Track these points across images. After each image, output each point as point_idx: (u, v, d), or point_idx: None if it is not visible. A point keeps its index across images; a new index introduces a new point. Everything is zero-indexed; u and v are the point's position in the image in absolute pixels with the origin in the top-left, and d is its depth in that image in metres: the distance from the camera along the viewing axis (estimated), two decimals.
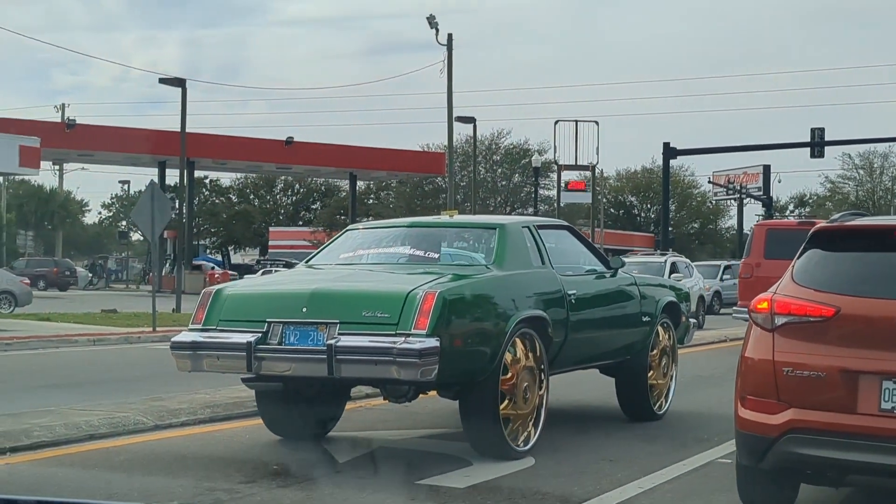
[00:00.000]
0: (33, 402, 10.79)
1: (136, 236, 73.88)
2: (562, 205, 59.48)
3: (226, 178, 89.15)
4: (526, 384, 8.49)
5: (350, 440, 9.17)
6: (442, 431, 9.75)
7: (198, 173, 67.22)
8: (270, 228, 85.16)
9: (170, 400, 10.66)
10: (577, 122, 57.65)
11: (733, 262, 44.52)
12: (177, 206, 37.71)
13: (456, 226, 10.04)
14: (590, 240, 11.01)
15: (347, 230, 10.34)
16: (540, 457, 8.47)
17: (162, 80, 39.57)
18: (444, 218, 10.52)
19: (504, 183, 78.58)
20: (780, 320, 6.27)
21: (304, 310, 8.05)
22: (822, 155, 44.18)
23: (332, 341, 7.77)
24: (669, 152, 43.54)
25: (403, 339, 7.65)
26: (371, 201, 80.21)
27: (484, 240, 9.36)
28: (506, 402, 8.31)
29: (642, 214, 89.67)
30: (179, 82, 38.60)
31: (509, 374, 8.32)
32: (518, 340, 8.45)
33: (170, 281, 42.95)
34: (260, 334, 8.06)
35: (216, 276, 30.13)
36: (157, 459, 8.32)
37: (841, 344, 6.06)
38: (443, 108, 44.88)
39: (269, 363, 8.08)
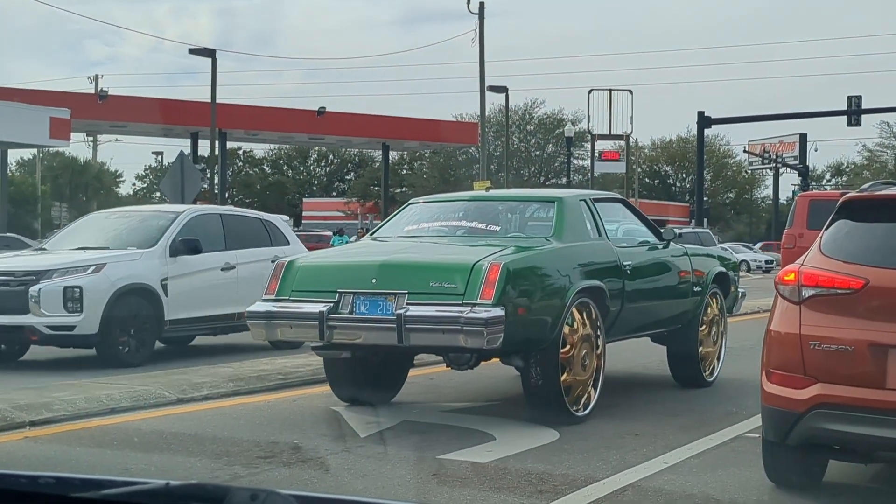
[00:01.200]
0: (58, 375, 10.79)
1: None
2: (596, 175, 59.16)
3: (259, 150, 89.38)
4: (584, 352, 8.82)
5: (373, 414, 9.06)
6: (467, 405, 9.65)
7: (231, 144, 67.28)
8: (304, 199, 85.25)
9: (193, 373, 10.62)
10: (610, 91, 57.33)
11: (675, 229, 43.26)
12: (207, 176, 37.70)
13: (515, 199, 10.44)
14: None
15: (409, 203, 10.66)
16: (565, 431, 8.37)
17: (192, 51, 39.53)
18: (503, 191, 10.91)
19: (538, 153, 78.22)
20: (807, 292, 6.11)
21: (374, 281, 8.39)
22: (858, 123, 43.59)
23: (402, 311, 8.09)
24: (704, 121, 43.11)
25: (470, 308, 7.97)
26: (405, 172, 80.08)
27: (543, 212, 9.69)
28: (565, 369, 8.62)
29: (677, 184, 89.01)
30: (210, 53, 38.54)
31: (568, 343, 8.63)
32: (576, 310, 8.74)
33: None
34: (331, 304, 8.39)
35: None
36: (176, 434, 8.26)
37: (869, 317, 5.90)
38: (476, 77, 44.62)
39: (340, 332, 8.43)
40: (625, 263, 9.62)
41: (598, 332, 9.07)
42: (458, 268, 8.29)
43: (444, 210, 10.20)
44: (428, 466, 7.19)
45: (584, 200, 9.92)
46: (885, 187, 6.73)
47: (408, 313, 8.08)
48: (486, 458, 7.40)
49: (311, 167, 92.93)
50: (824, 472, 6.67)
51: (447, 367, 9.40)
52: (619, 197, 11.49)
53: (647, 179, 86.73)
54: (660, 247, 10.59)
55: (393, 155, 67.60)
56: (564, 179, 62.70)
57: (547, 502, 6.24)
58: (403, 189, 76.06)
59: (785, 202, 72.05)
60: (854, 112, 42.80)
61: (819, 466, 6.63)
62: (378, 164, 69.47)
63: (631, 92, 58.06)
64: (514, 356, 8.64)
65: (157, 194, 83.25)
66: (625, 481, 6.78)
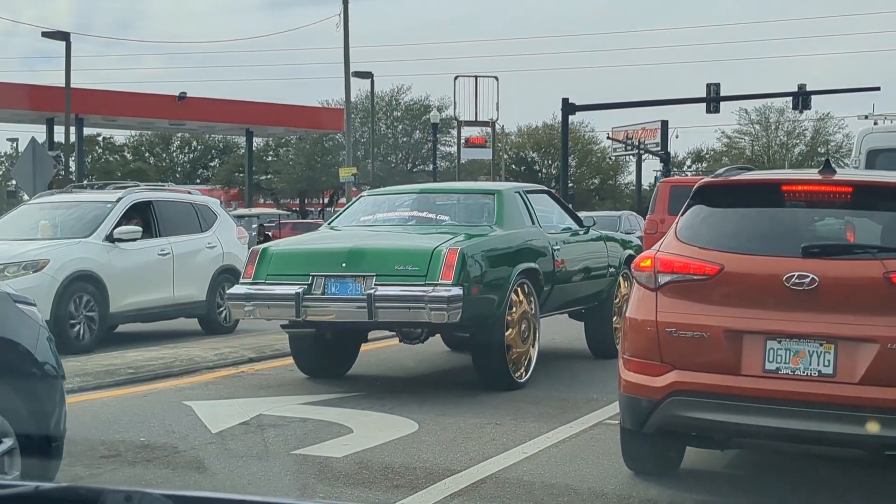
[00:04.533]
0: None
1: (26, 196, 71.87)
2: (462, 161, 59.26)
3: (120, 136, 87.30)
4: (524, 326, 9.92)
5: (225, 408, 8.77)
6: (324, 398, 9.40)
7: (90, 131, 65.53)
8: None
9: None
10: (476, 77, 57.44)
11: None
12: (62, 163, 36.55)
13: (459, 192, 11.65)
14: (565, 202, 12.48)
15: (362, 196, 11.86)
16: (424, 421, 8.23)
17: (45, 34, 38.26)
18: (447, 185, 12.34)
19: (405, 139, 77.99)
20: (663, 279, 6.05)
21: (344, 265, 9.35)
22: (717, 110, 44.37)
23: (371, 291, 9.09)
24: (569, 108, 43.37)
25: (432, 288, 9.00)
26: (270, 158, 79.00)
27: (485, 203, 10.71)
28: (509, 341, 9.65)
29: (544, 170, 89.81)
30: (64, 36, 37.37)
31: (511, 318, 9.71)
32: (517, 289, 9.82)
33: None
34: (305, 286, 9.34)
35: None
36: None
37: (725, 303, 5.86)
38: (341, 63, 44.24)
39: (314, 310, 9.38)
40: (554, 248, 10.71)
41: (534, 309, 10.13)
42: (420, 253, 9.27)
43: (396, 202, 11.25)
44: (282, 462, 6.97)
45: (518, 192, 11.05)
46: (738, 172, 6.72)
47: (377, 293, 9.06)
48: (343, 451, 7.21)
49: (174, 154, 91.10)
50: (681, 458, 6.64)
51: (400, 341, 10.61)
52: (545, 188, 12.58)
53: (513, 166, 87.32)
54: (581, 233, 11.68)
55: (258, 141, 66.60)
56: (431, 166, 62.62)
57: (404, 497, 6.07)
58: (269, 176, 75.05)
59: (647, 188, 73.27)
60: (713, 99, 43.56)
61: (676, 453, 6.60)
62: (242, 150, 68.40)
63: (497, 78, 58.36)
64: (466, 330, 9.57)
65: (13, 182, 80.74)
66: (483, 473, 6.66)
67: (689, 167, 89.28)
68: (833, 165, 6.33)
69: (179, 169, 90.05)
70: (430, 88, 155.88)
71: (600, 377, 10.54)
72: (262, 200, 73.69)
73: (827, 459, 6.54)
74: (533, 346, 10.14)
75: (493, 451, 7.27)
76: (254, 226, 34.41)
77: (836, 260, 5.75)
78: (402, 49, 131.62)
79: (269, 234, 34.70)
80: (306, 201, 77.81)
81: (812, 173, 6.44)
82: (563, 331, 13.27)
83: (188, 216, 15.05)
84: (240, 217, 34.77)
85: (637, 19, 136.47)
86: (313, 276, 9.40)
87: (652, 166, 78.68)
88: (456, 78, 56.60)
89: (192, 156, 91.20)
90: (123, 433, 7.76)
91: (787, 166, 74.35)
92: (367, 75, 49.06)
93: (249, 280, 9.69)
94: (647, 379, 6.01)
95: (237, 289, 9.78)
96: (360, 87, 61.26)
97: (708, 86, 43.29)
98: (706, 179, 6.49)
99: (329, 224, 11.25)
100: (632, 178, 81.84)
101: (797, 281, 5.65)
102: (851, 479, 6.64)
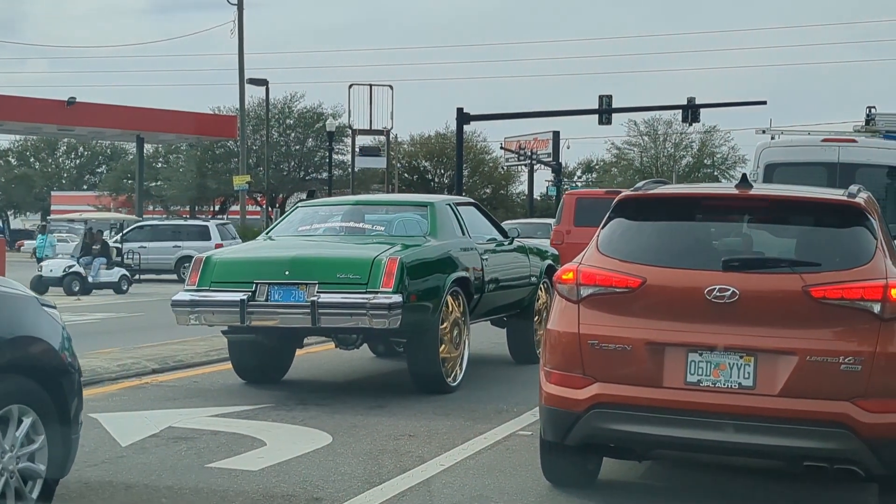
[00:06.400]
0: None
1: None
2: (356, 169, 59.07)
3: (3, 141, 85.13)
4: (456, 332, 10.35)
5: (133, 421, 8.60)
6: (234, 410, 9.28)
7: None
8: (53, 193, 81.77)
9: None
10: (371, 86, 57.30)
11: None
12: None
13: (394, 203, 12.24)
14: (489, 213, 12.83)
15: (298, 206, 12.25)
16: (338, 434, 8.18)
17: None
18: (382, 196, 12.80)
19: (298, 147, 77.52)
20: (585, 291, 6.10)
21: (287, 273, 9.67)
22: (609, 122, 44.91)
23: (315, 298, 9.42)
24: (463, 118, 43.53)
25: (374, 295, 9.35)
26: (160, 165, 77.81)
27: (419, 215, 11.11)
28: (443, 347, 10.06)
29: (436, 179, 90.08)
30: None
31: (444, 324, 10.09)
32: (450, 296, 10.20)
33: None
34: (249, 293, 9.63)
35: None
36: None
37: (647, 316, 5.92)
38: (235, 69, 43.84)
39: (258, 317, 9.67)
40: (483, 258, 11.11)
41: (465, 316, 10.55)
42: (361, 262, 9.63)
43: (333, 213, 11.63)
44: (198, 476, 6.86)
45: (449, 204, 11.47)
46: (655, 186, 6.80)
47: (320, 300, 9.39)
48: (259, 465, 7.13)
49: (60, 159, 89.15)
50: (599, 470, 6.70)
51: (335, 346, 10.95)
52: (473, 201, 12.94)
53: (406, 175, 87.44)
54: (506, 244, 12.07)
55: (147, 148, 65.46)
56: (325, 174, 62.30)
57: None
58: (158, 183, 73.88)
59: (539, 197, 74.02)
60: (605, 111, 44.07)
61: (594, 465, 6.65)
62: (131, 156, 67.19)
63: (391, 87, 58.35)
64: (403, 335, 9.98)
65: None
66: (404, 485, 6.64)
67: (580, 177, 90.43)
68: (750, 180, 6.46)
69: (66, 175, 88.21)
70: (324, 96, 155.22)
71: (510, 388, 10.64)
72: (151, 207, 72.47)
73: (745, 470, 6.66)
74: (464, 352, 10.53)
75: (411, 463, 7.25)
76: (77, 228, 30.98)
77: (756, 273, 5.86)
78: (296, 56, 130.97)
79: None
80: (197, 208, 76.75)
81: (730, 188, 6.55)
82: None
83: None
84: (70, 221, 32.58)
85: (530, 30, 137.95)
86: (257, 283, 9.68)
87: (544, 176, 79.29)
88: (350, 86, 56.36)
89: (78, 161, 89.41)
90: None
91: (674, 177, 75.77)
92: (262, 83, 48.68)
93: (193, 287, 9.91)
94: (569, 391, 6.04)
95: (181, 295, 9.95)
96: (252, 94, 60.62)
97: (600, 97, 43.82)
98: (627, 193, 6.56)
99: (267, 234, 11.49)
100: (524, 187, 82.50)
101: (718, 294, 5.75)
102: (768, 491, 6.77)
